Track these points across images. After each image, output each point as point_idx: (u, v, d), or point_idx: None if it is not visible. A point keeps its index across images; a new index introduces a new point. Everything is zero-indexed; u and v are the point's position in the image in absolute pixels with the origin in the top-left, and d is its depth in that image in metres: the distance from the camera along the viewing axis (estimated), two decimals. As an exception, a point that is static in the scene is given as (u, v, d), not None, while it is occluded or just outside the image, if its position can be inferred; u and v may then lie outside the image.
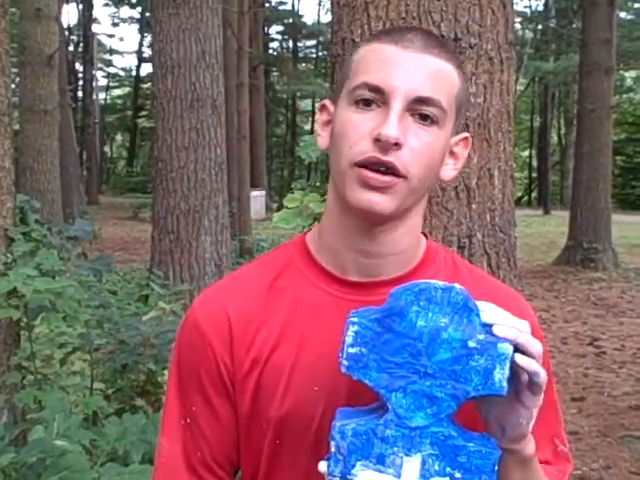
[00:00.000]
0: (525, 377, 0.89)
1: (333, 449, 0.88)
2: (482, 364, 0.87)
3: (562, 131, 38.60)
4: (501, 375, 0.87)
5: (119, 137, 50.28)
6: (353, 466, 0.87)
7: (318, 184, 2.50)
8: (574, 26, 26.01)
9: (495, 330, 0.87)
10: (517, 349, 0.88)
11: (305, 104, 43.37)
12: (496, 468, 0.87)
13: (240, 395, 1.05)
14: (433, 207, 2.04)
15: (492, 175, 2.10)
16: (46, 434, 2.48)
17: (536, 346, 0.88)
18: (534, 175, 39.84)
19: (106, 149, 45.61)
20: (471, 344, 0.87)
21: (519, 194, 39.18)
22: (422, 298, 0.88)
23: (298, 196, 2.39)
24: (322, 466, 0.89)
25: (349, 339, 0.89)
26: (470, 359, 0.87)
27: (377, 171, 0.95)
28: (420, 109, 0.96)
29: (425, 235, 1.11)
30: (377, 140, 0.94)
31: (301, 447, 1.03)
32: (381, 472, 0.87)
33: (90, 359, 3.99)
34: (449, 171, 1.05)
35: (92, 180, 29.48)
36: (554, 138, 38.43)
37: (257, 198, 20.98)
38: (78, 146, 24.26)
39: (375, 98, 0.96)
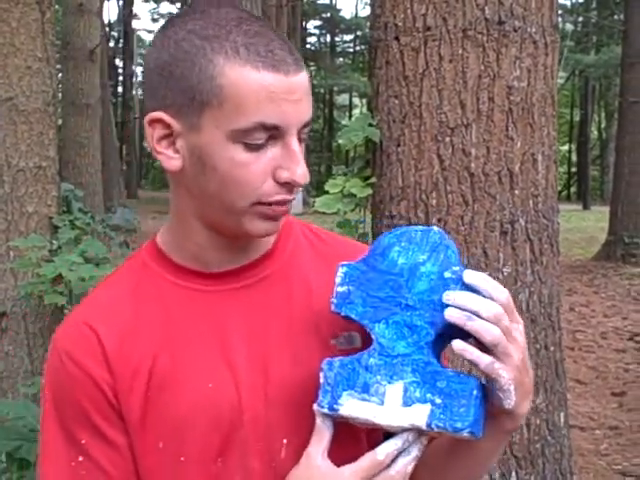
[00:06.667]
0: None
1: (322, 380, 0.91)
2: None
3: (602, 125, 38.06)
4: None
5: (158, 132, 50.63)
6: (340, 396, 0.90)
7: (357, 170, 2.51)
8: (616, 17, 25.61)
9: (445, 312, 0.88)
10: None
11: (342, 98, 43.31)
12: (475, 393, 0.87)
13: (127, 413, 0.97)
14: (476, 192, 2.04)
15: (536, 160, 2.08)
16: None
17: (487, 335, 0.87)
18: (573, 170, 39.35)
19: (145, 144, 46.02)
20: (447, 275, 0.90)
21: (558, 189, 38.65)
22: (403, 239, 0.94)
23: (339, 182, 2.39)
24: (315, 404, 0.91)
25: (338, 279, 0.94)
26: (446, 288, 0.89)
27: (281, 205, 0.94)
28: (302, 132, 0.94)
29: None
30: (287, 183, 0.92)
31: (211, 450, 0.97)
32: (365, 401, 0.89)
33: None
34: None
35: (132, 175, 29.79)
36: (594, 132, 37.90)
37: (294, 192, 20.96)
38: (118, 141, 24.52)
39: (267, 136, 0.90)
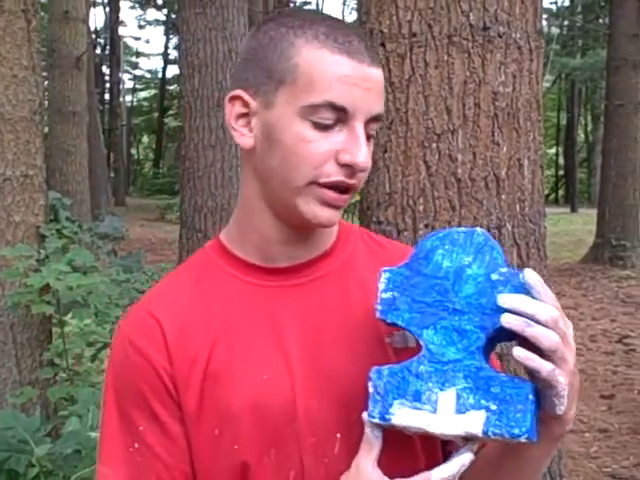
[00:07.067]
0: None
1: (371, 390, 0.90)
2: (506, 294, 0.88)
3: (589, 128, 38.27)
4: None
5: (145, 139, 50.62)
6: (391, 405, 0.88)
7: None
8: (601, 21, 25.77)
9: (502, 318, 0.86)
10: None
11: (330, 104, 43.23)
12: (531, 397, 0.86)
13: (185, 401, 0.99)
14: (462, 197, 2.04)
15: (522, 165, 2.09)
16: (80, 426, 2.52)
17: (546, 341, 0.85)
18: (561, 173, 39.54)
19: (133, 151, 45.97)
20: (494, 277, 0.89)
21: (546, 192, 38.89)
22: (446, 242, 0.92)
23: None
24: (365, 415, 0.90)
25: (382, 285, 0.92)
26: (494, 291, 0.88)
27: (339, 191, 0.96)
28: (370, 127, 0.97)
29: None
30: (347, 165, 0.94)
31: (265, 442, 0.98)
32: (417, 409, 0.88)
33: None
34: None
35: (119, 182, 29.66)
36: (581, 135, 38.10)
37: (283, 198, 20.92)
38: (105, 148, 24.47)
39: (335, 117, 0.94)
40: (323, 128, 0.94)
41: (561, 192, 39.67)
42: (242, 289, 1.03)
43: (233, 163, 6.52)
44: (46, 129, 11.38)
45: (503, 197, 2.07)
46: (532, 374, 0.87)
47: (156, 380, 1.00)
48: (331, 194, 0.95)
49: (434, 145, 2.04)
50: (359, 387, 0.94)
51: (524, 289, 0.87)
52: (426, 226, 2.06)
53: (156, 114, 43.01)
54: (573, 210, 27.95)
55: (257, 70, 0.98)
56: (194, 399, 0.99)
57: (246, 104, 0.99)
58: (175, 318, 1.02)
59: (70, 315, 3.57)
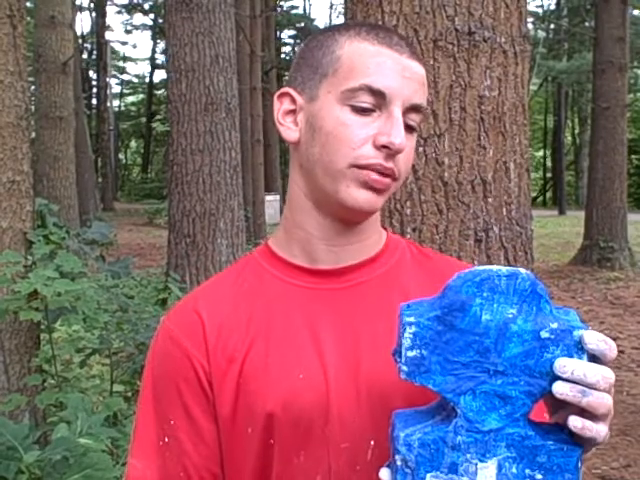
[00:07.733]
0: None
1: (399, 462, 0.81)
2: (558, 355, 0.79)
3: (576, 130, 38.46)
4: None
5: (133, 144, 50.51)
6: (423, 479, 0.80)
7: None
8: (587, 24, 25.91)
9: (554, 388, 0.79)
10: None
11: (318, 108, 43.33)
12: (579, 465, 0.80)
13: (220, 399, 1.00)
14: (449, 201, 2.05)
15: (508, 168, 2.10)
16: (69, 432, 2.51)
17: (602, 408, 0.80)
18: (548, 175, 39.69)
19: (121, 156, 45.86)
20: (544, 334, 0.79)
21: (534, 195, 39.04)
22: (485, 288, 0.79)
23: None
24: (384, 474, 0.85)
25: (407, 342, 0.81)
26: (544, 351, 0.79)
27: (379, 173, 0.97)
28: (410, 116, 0.99)
29: (384, 228, 1.13)
30: (385, 147, 0.96)
31: (295, 443, 0.98)
32: None
33: (110, 361, 4.02)
34: None
35: (107, 187, 29.62)
36: (568, 138, 38.28)
37: (271, 202, 20.96)
38: (93, 153, 24.38)
39: (373, 102, 0.96)
40: (361, 112, 0.96)
41: (549, 194, 39.82)
42: (283, 289, 1.04)
43: (221, 167, 6.52)
44: (33, 134, 11.34)
45: (490, 200, 2.08)
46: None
47: (192, 375, 1.01)
48: (371, 175, 0.97)
49: (420, 149, 2.05)
50: (395, 394, 0.95)
51: (577, 349, 0.79)
52: (413, 230, 2.06)
53: (144, 119, 42.94)
54: (561, 212, 28.05)
55: (305, 68, 1.03)
56: (229, 397, 1.00)
57: (293, 100, 1.04)
58: (216, 317, 1.03)
59: (59, 321, 3.55)
